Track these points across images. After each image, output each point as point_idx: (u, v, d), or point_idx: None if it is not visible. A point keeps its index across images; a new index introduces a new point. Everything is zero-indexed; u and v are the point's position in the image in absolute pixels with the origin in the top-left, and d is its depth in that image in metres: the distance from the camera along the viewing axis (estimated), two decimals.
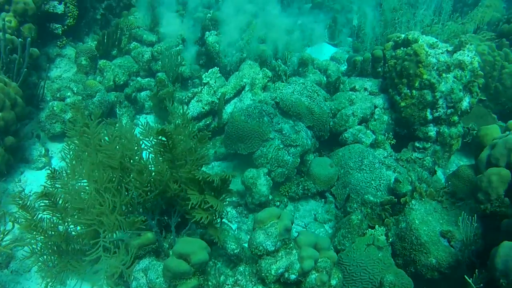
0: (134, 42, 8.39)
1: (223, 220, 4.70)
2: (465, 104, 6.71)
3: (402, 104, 6.72)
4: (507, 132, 4.95)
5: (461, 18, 8.98)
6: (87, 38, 8.61)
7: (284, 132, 6.25)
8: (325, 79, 7.75)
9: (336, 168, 6.41)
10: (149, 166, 4.21)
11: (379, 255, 4.82)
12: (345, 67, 8.83)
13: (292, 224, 4.16)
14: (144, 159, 4.25)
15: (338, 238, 5.47)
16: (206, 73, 7.26)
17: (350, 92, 7.32)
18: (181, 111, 4.33)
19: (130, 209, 4.21)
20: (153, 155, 4.25)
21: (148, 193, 4.21)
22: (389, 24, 8.51)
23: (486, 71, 7.59)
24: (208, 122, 7.03)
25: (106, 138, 4.20)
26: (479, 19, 8.64)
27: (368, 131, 6.90)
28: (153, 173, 4.23)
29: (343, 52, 10.12)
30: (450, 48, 6.84)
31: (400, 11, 8.55)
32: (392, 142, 6.89)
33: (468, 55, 6.72)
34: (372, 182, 6.14)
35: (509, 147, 4.56)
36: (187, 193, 4.08)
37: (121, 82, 7.63)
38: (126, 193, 4.10)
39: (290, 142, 6.22)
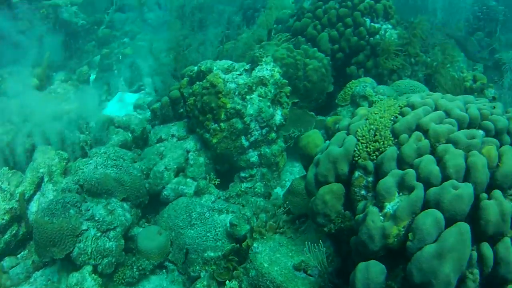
0: None
1: None
2: (278, 118, 6.60)
3: (214, 140, 6.34)
4: (327, 142, 4.67)
5: (250, 27, 8.86)
6: None
7: (97, 218, 5.54)
8: (130, 135, 7.09)
9: (166, 232, 5.85)
10: None
11: None
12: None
13: None
14: None
15: None
16: None
17: (158, 145, 6.74)
18: None
19: None
20: None
21: None
22: (180, 56, 8.01)
23: (291, 74, 7.49)
24: (14, 231, 6.01)
25: None
26: (266, 24, 8.57)
27: (188, 180, 6.39)
28: None
29: (145, 96, 9.54)
30: (247, 67, 6.64)
31: (189, 37, 8.17)
32: (216, 182, 6.49)
33: (266, 69, 6.57)
34: (208, 234, 5.72)
35: (333, 159, 4.21)
36: None
37: None
38: None
39: (107, 226, 5.53)
